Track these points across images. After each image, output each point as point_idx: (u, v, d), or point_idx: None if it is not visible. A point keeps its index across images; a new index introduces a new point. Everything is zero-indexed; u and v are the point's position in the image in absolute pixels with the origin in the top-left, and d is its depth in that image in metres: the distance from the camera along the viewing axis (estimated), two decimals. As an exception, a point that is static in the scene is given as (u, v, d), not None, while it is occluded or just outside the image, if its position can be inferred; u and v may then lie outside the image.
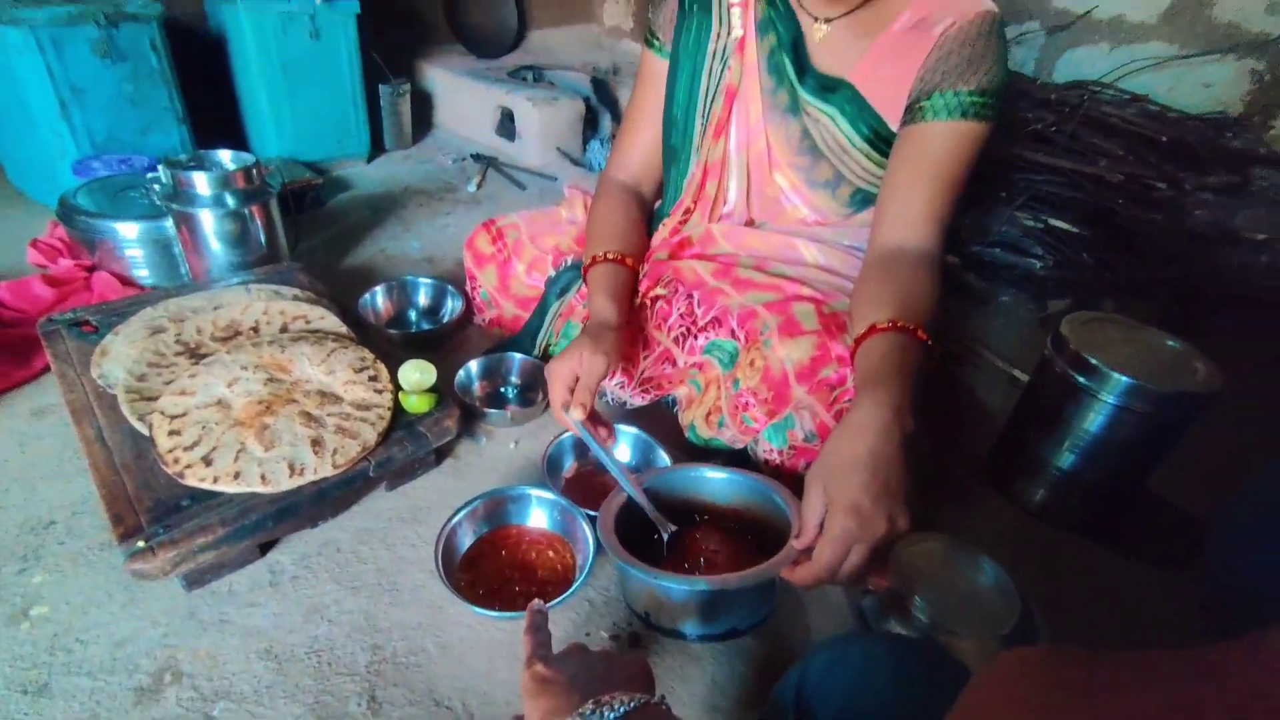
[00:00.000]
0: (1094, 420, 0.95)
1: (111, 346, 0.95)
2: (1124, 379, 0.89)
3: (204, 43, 1.91)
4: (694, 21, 0.95)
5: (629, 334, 1.00)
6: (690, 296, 0.96)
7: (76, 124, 1.50)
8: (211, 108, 1.90)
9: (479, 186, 2.05)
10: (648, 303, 1.03)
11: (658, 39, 1.01)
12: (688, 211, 1.03)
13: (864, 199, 0.96)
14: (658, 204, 1.14)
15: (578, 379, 0.85)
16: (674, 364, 1.04)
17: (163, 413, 0.83)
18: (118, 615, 0.76)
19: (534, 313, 1.19)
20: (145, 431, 0.82)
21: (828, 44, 0.90)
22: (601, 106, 2.41)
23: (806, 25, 0.90)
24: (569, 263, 1.17)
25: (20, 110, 1.49)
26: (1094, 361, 0.91)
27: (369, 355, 0.96)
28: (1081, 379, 0.93)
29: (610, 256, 0.97)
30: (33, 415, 1.02)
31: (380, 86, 2.17)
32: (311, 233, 1.69)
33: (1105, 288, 1.68)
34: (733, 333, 0.94)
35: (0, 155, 1.71)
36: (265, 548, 0.84)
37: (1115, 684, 0.26)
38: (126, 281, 1.30)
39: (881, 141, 0.89)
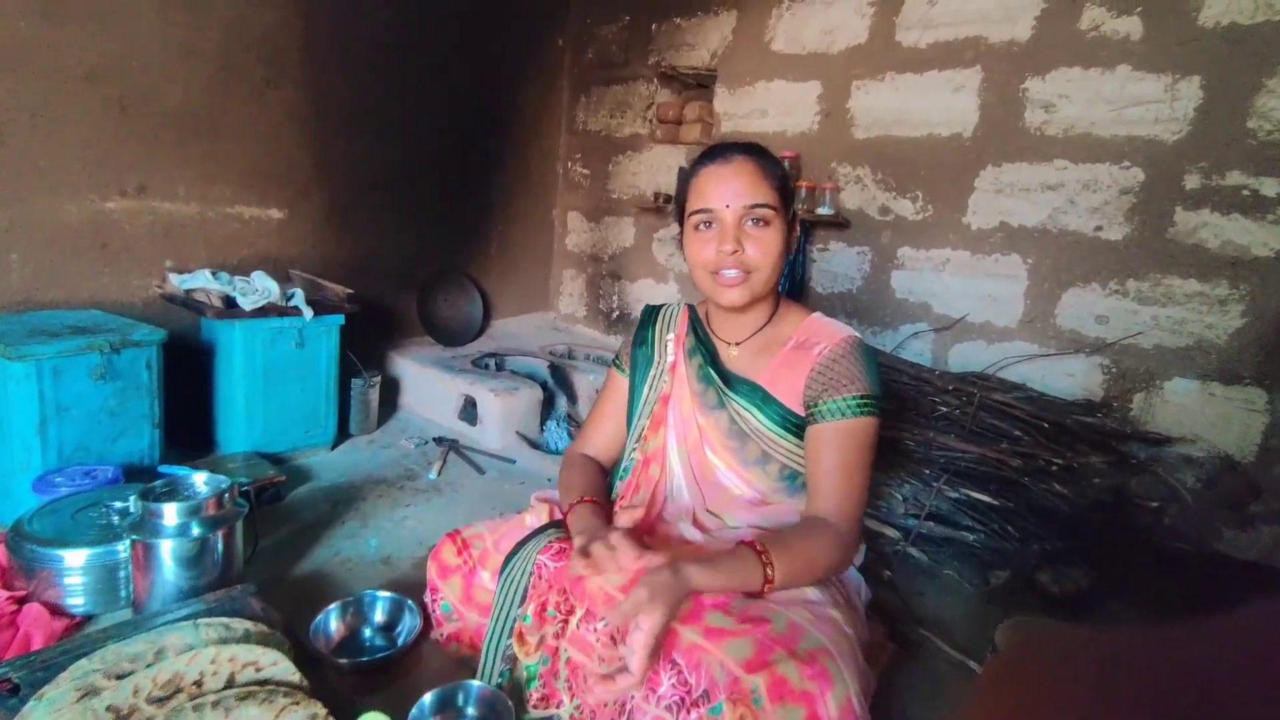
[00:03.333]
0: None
1: (31, 716, 0.88)
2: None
3: (191, 349, 2.08)
4: (639, 354, 1.28)
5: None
6: (676, 663, 0.98)
7: (50, 439, 1.55)
8: (184, 406, 2.00)
9: (439, 473, 2.13)
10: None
11: (621, 364, 1.32)
12: (634, 490, 1.23)
13: (790, 475, 1.15)
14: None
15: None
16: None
17: (79, 810, 0.75)
18: None
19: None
20: (53, 838, 0.73)
21: (739, 359, 1.19)
22: (558, 389, 2.64)
23: (721, 348, 1.21)
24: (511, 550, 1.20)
25: (-3, 429, 1.55)
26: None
27: (320, 713, 0.91)
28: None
29: (586, 499, 1.16)
30: (-91, 802, 0.90)
31: (353, 380, 2.35)
32: (269, 530, 1.68)
33: (1036, 559, 1.79)
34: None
35: (-45, 467, 1.71)
36: None
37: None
38: (57, 611, 1.24)
39: (792, 425, 1.12)
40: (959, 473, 1.92)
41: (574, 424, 2.52)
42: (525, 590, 1.14)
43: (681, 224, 1.16)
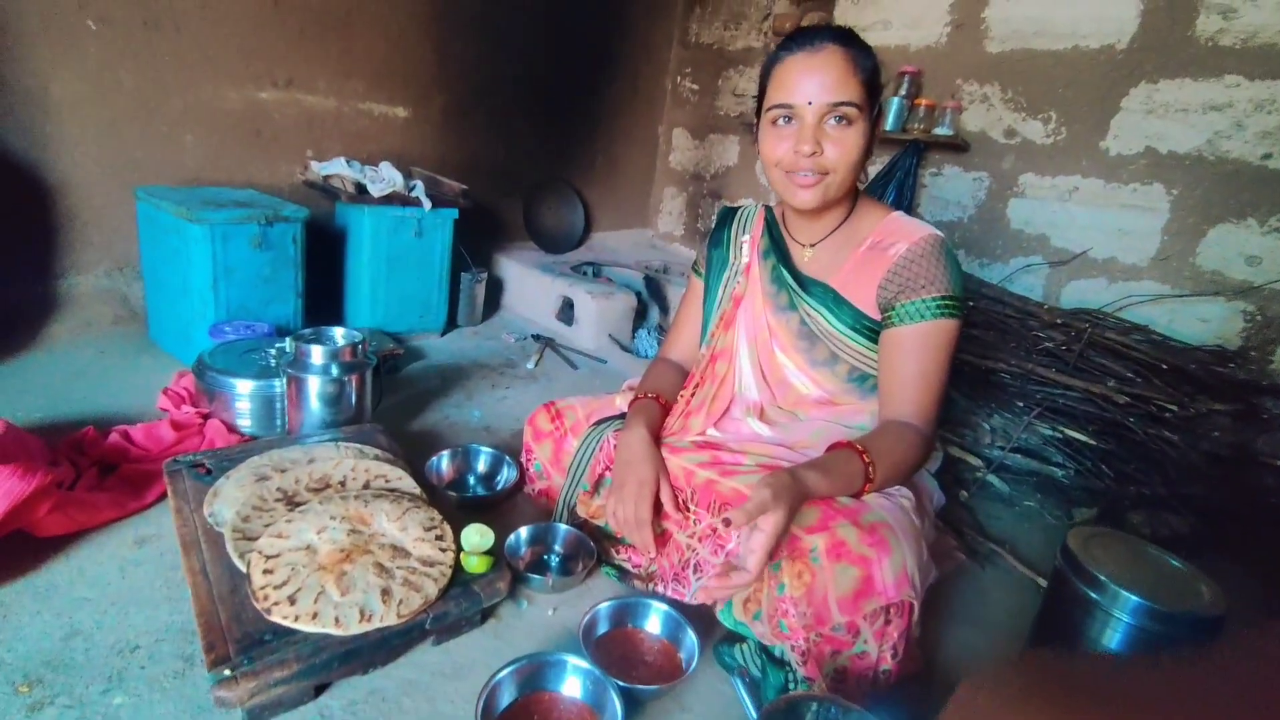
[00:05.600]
0: (1112, 637, 0.98)
1: (223, 489, 1.11)
2: (1135, 598, 0.94)
3: (327, 233, 2.31)
4: (714, 256, 1.30)
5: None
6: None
7: (221, 295, 1.81)
8: (320, 282, 2.25)
9: (537, 364, 2.29)
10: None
11: (699, 268, 1.35)
12: (697, 385, 1.26)
13: (860, 377, 1.15)
14: None
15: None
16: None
17: (260, 552, 0.95)
18: (179, 746, 0.82)
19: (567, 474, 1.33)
20: (243, 569, 0.94)
21: (813, 261, 1.18)
22: (651, 300, 2.72)
23: (795, 250, 1.20)
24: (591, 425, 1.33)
25: (180, 282, 1.82)
26: (1103, 578, 0.97)
27: (437, 516, 1.08)
28: (1094, 594, 0.98)
29: (649, 395, 1.24)
30: (136, 543, 1.16)
31: (462, 274, 2.54)
32: (388, 394, 1.91)
33: (1131, 501, 1.73)
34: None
35: (150, 314, 2.04)
36: (319, 690, 0.90)
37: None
38: (232, 429, 1.50)
39: (864, 328, 1.11)
40: (1055, 409, 1.85)
41: (664, 333, 2.61)
42: (590, 461, 1.27)
43: (759, 116, 1.10)
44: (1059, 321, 2.00)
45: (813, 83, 1.00)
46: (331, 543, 0.98)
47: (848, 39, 1.02)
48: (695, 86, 3.36)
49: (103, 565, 1.09)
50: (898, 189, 2.46)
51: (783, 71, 1.03)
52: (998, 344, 1.98)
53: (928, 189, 2.53)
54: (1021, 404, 1.88)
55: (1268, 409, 1.86)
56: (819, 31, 1.03)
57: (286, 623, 0.86)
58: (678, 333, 1.38)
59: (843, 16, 2.68)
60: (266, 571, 0.91)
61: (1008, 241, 2.34)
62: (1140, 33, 1.99)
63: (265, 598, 0.88)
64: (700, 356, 1.28)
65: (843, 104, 0.99)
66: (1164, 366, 1.84)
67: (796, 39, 1.04)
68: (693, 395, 1.26)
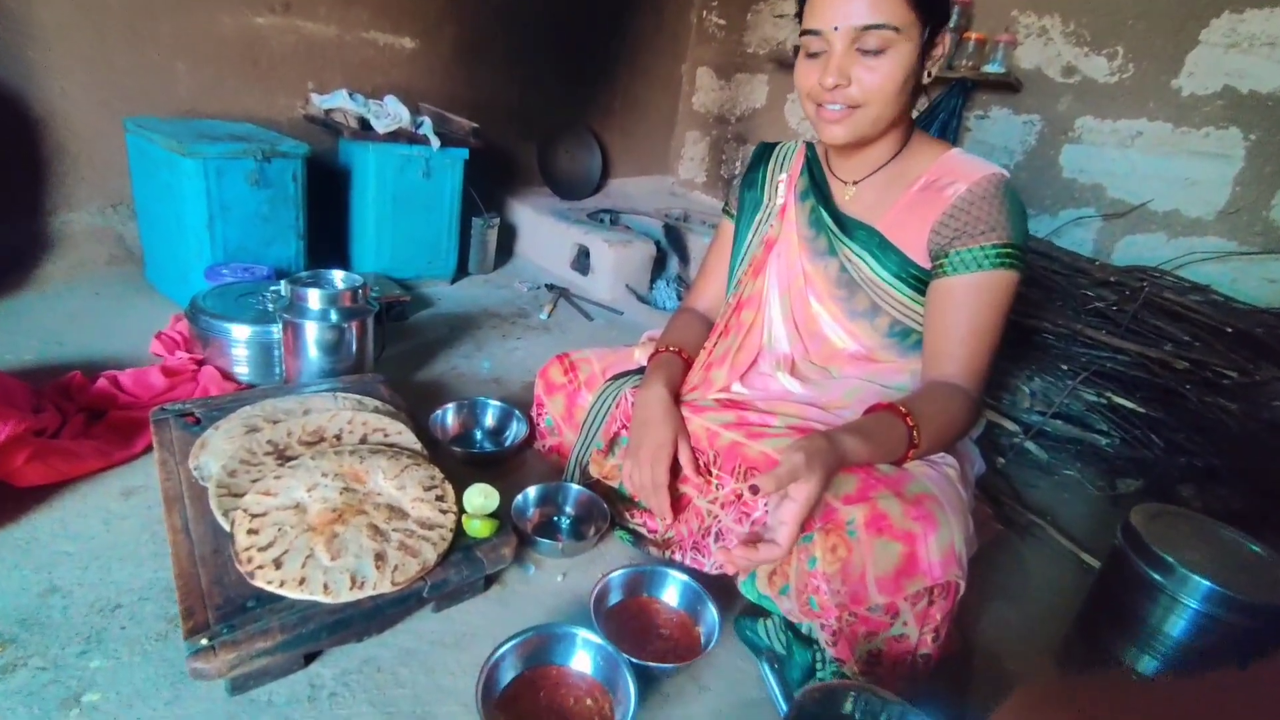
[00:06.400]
0: (1176, 624, 0.89)
1: (210, 440, 1.03)
2: (1207, 583, 0.85)
3: (329, 172, 2.19)
4: (747, 198, 1.18)
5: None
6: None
7: (217, 235, 1.72)
8: (323, 224, 2.15)
9: (550, 315, 2.19)
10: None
11: (730, 209, 1.23)
12: (720, 335, 1.16)
13: (902, 331, 1.04)
14: None
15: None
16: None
17: (245, 510, 0.88)
18: (160, 713, 0.77)
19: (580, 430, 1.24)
20: (227, 527, 0.87)
21: (856, 200, 1.05)
22: (670, 250, 2.59)
23: (838, 188, 1.07)
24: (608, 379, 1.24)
25: (174, 221, 1.73)
26: (1171, 560, 0.87)
27: (438, 474, 1.00)
28: (1159, 578, 0.89)
29: (671, 349, 1.15)
30: (122, 495, 1.09)
31: (473, 219, 2.41)
32: (394, 343, 1.82)
33: (1181, 472, 1.61)
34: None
35: (145, 254, 1.95)
36: (309, 657, 0.84)
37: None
38: (227, 376, 1.42)
39: (910, 277, 0.99)
40: (1103, 374, 1.72)
41: (684, 285, 2.49)
42: (605, 418, 1.18)
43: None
44: (1111, 280, 1.85)
45: (839, 4, 0.87)
46: (323, 501, 0.91)
47: None
48: (722, 21, 3.13)
49: (86, 518, 1.03)
50: (940, 132, 2.28)
51: None
52: (1042, 302, 1.84)
53: (972, 133, 2.34)
54: (1066, 367, 1.75)
55: (1337, 378, 1.72)
56: None
57: (271, 588, 0.79)
58: (705, 280, 1.27)
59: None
60: (251, 531, 0.84)
61: (1058, 192, 2.16)
62: (1229, -47, 1.77)
63: (249, 560, 0.81)
64: (726, 304, 1.18)
65: (875, 26, 0.86)
66: (1227, 330, 1.69)
67: None
68: (715, 345, 1.15)
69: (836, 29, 0.87)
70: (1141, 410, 1.67)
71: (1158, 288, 1.81)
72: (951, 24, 1.07)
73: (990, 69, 2.16)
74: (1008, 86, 2.19)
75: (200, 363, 1.42)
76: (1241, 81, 1.79)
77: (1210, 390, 1.67)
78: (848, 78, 0.89)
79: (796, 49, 0.99)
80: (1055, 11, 2.09)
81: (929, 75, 0.94)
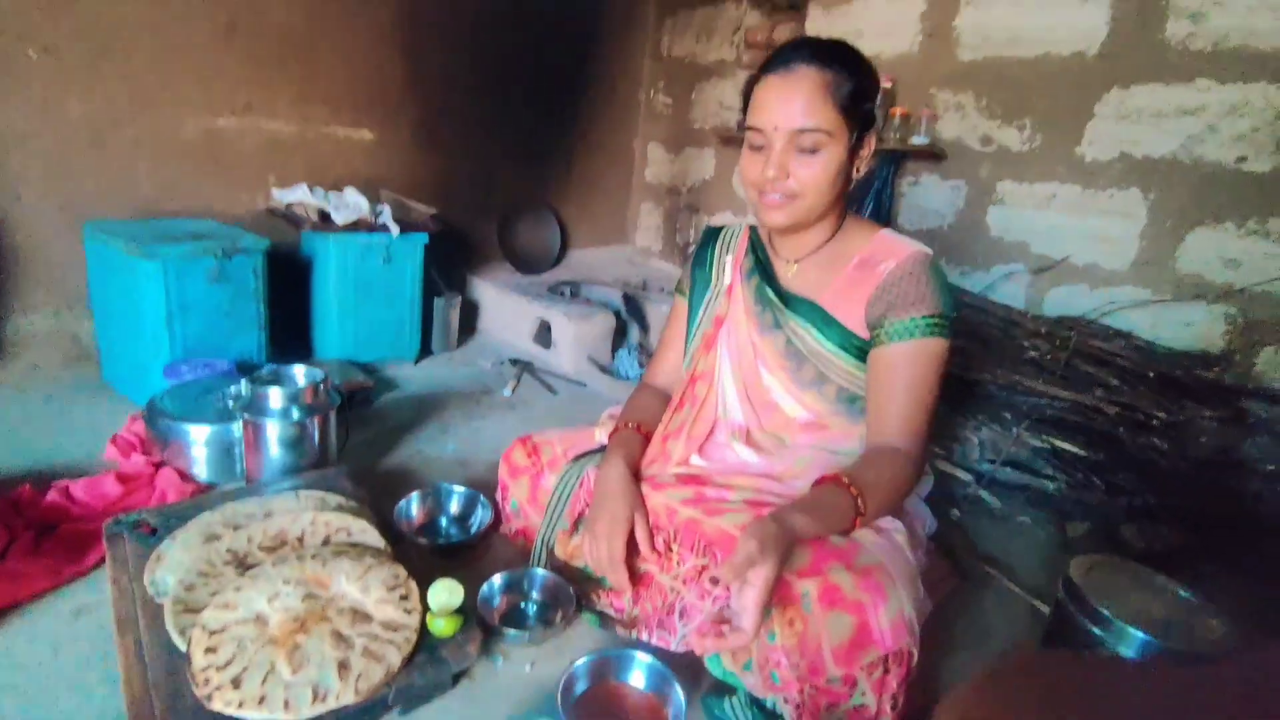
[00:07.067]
0: (1119, 673, 0.93)
1: (167, 553, 1.02)
2: (1141, 635, 0.90)
3: (291, 262, 2.23)
4: (697, 276, 1.27)
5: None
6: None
7: (176, 332, 1.73)
8: (285, 312, 2.16)
9: (514, 391, 2.22)
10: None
11: (682, 289, 1.31)
12: (676, 409, 1.22)
13: (849, 398, 1.11)
14: None
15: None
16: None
17: (203, 627, 0.87)
18: None
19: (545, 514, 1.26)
20: (183, 646, 0.86)
21: (799, 278, 1.14)
22: (630, 319, 2.67)
23: (780, 267, 1.16)
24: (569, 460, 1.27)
25: (132, 320, 1.73)
26: (1107, 614, 0.92)
27: (402, 573, 1.01)
28: (1098, 631, 0.93)
29: (631, 425, 1.20)
30: (72, 615, 1.07)
31: (435, 298, 2.46)
32: (359, 429, 1.82)
33: (1123, 513, 1.69)
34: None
35: (102, 354, 1.94)
36: (270, 779, 0.82)
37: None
38: (185, 477, 1.41)
39: (852, 347, 1.07)
40: (1043, 420, 1.82)
41: (645, 353, 2.55)
42: (569, 498, 1.21)
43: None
44: (1043, 330, 1.97)
45: (781, 107, 0.98)
46: (284, 610, 0.90)
47: (827, 59, 0.98)
48: (669, 100, 3.33)
49: (34, 643, 1.00)
50: (875, 198, 2.44)
51: (759, 93, 1.02)
52: (982, 354, 1.95)
53: (906, 198, 2.51)
54: (1009, 415, 1.84)
55: (1254, 413, 1.84)
56: (798, 50, 1.00)
57: (229, 710, 0.78)
58: (662, 356, 1.34)
59: (814, 26, 2.66)
60: (209, 650, 0.84)
61: (988, 249, 2.31)
62: (1110, 39, 1.98)
63: (206, 682, 0.80)
64: (681, 379, 1.24)
65: (810, 130, 0.97)
66: (1150, 374, 1.81)
67: (776, 58, 1.02)
68: (670, 418, 1.21)
69: (777, 128, 0.98)
70: (1083, 453, 1.76)
71: (1085, 336, 1.93)
72: (878, 126, 1.19)
73: (916, 140, 2.33)
74: (934, 155, 2.37)
75: (158, 465, 1.41)
76: (1135, 148, 1.98)
77: (1142, 431, 1.78)
78: (786, 172, 0.99)
79: (739, 125, 1.10)
80: (968, 89, 2.30)
81: (858, 171, 1.05)
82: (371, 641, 0.89)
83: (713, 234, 1.28)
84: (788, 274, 1.15)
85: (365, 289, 2.17)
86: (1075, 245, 2.12)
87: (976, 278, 2.33)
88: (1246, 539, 1.63)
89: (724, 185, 3.15)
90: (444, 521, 1.42)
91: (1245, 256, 1.84)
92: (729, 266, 1.22)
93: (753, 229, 1.25)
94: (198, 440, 1.40)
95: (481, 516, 1.38)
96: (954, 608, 1.31)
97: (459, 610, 0.98)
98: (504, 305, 2.68)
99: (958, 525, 1.66)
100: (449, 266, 2.64)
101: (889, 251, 1.06)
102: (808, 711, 0.89)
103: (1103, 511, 1.70)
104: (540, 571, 1.21)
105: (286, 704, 0.79)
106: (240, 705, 0.78)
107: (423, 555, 1.26)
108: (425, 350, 2.45)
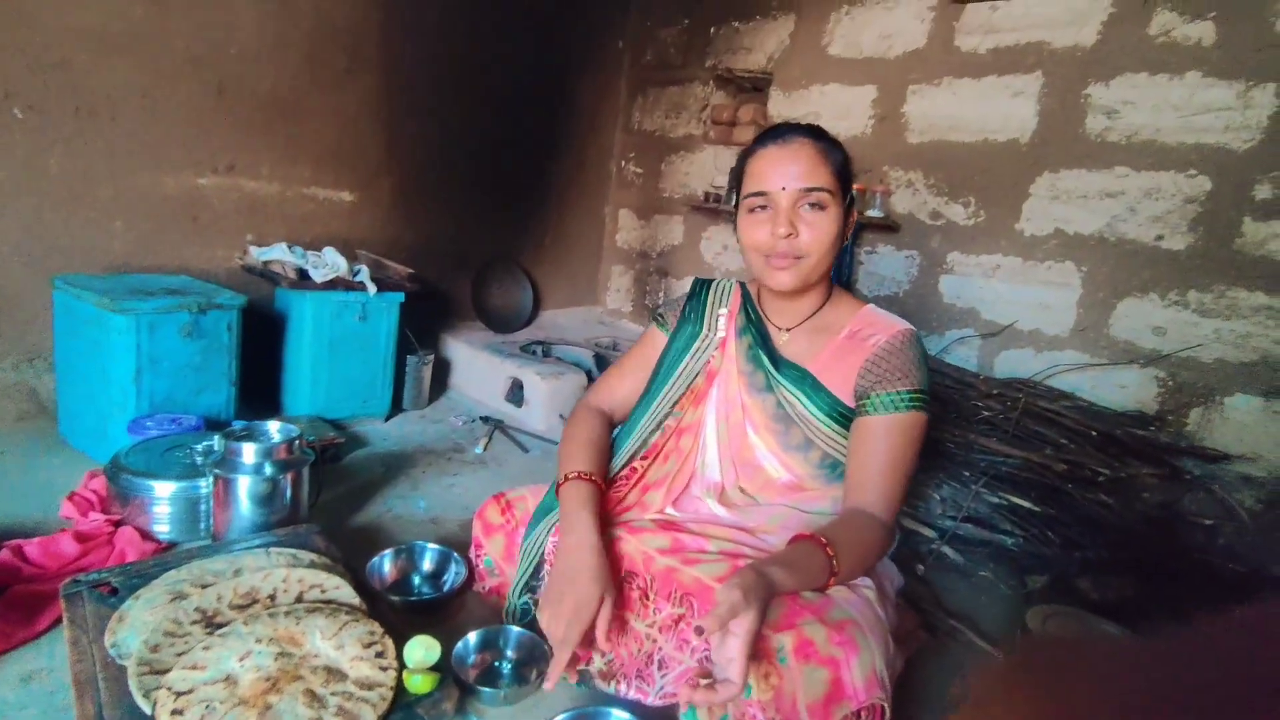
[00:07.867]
0: (1080, 720, 0.97)
1: (130, 613, 0.99)
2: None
3: (264, 317, 2.23)
4: (690, 324, 1.27)
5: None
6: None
7: (144, 387, 1.70)
8: (256, 367, 2.15)
9: (485, 448, 2.22)
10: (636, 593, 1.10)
11: (665, 321, 1.31)
12: (659, 459, 1.22)
13: (831, 464, 1.15)
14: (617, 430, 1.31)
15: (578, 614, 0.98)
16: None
17: (170, 689, 0.84)
18: None
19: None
20: (148, 710, 0.83)
21: (790, 345, 1.19)
22: (602, 377, 2.71)
23: (772, 332, 1.21)
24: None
25: (98, 374, 1.70)
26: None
27: (378, 629, 0.99)
28: (1057, 675, 0.97)
29: (582, 475, 1.13)
30: (21, 681, 1.01)
31: (408, 356, 2.47)
32: (328, 486, 1.79)
33: (1078, 566, 1.76)
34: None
35: (60, 409, 1.89)
36: None
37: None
38: (147, 536, 1.37)
39: (839, 415, 1.12)
40: (999, 477, 1.90)
41: (615, 411, 2.59)
42: (541, 555, 1.19)
43: (737, 205, 1.15)
44: (995, 392, 2.09)
45: (786, 171, 1.06)
46: (256, 670, 0.88)
47: (817, 133, 1.10)
48: (639, 170, 3.50)
49: (-21, 712, 0.95)
50: (836, 266, 2.58)
51: (757, 163, 1.09)
52: (941, 414, 2.04)
53: (864, 265, 2.66)
54: (967, 473, 1.93)
55: (1189, 470, 1.96)
56: (790, 127, 1.10)
57: (197, 775, 0.75)
58: (620, 379, 1.30)
59: (775, 109, 2.87)
60: (175, 712, 0.81)
61: (941, 315, 2.46)
62: (1040, 129, 2.20)
63: (173, 745, 0.77)
64: (665, 428, 1.23)
65: (815, 189, 1.05)
66: (1093, 433, 1.93)
67: (769, 134, 1.11)
68: (650, 467, 1.22)
69: (784, 189, 1.05)
70: (1037, 509, 1.84)
71: (1033, 397, 2.06)
72: (857, 202, 1.29)
73: (872, 213, 2.51)
74: (888, 227, 2.54)
75: (117, 523, 1.37)
76: (1068, 225, 2.17)
77: (1089, 487, 1.87)
78: (795, 229, 1.06)
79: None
80: (917, 168, 2.49)
81: (846, 238, 1.14)
82: (346, 700, 0.87)
83: (704, 285, 1.31)
84: (780, 340, 1.20)
85: (340, 346, 2.18)
86: (1020, 312, 2.28)
87: (931, 341, 2.47)
88: (1192, 588, 1.71)
89: (692, 250, 3.29)
90: (417, 579, 1.40)
91: (1170, 324, 2.01)
92: (723, 320, 1.25)
93: (744, 286, 1.29)
94: (162, 497, 1.37)
95: (455, 574, 1.37)
96: (925, 664, 1.34)
97: (435, 667, 0.97)
98: (476, 363, 2.71)
99: (924, 581, 1.70)
100: (423, 324, 2.66)
101: (878, 326, 1.14)
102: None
103: (1059, 564, 1.77)
104: (515, 629, 1.20)
105: (257, 767, 0.77)
106: (208, 769, 0.76)
107: (396, 613, 1.24)
108: (396, 407, 2.44)
